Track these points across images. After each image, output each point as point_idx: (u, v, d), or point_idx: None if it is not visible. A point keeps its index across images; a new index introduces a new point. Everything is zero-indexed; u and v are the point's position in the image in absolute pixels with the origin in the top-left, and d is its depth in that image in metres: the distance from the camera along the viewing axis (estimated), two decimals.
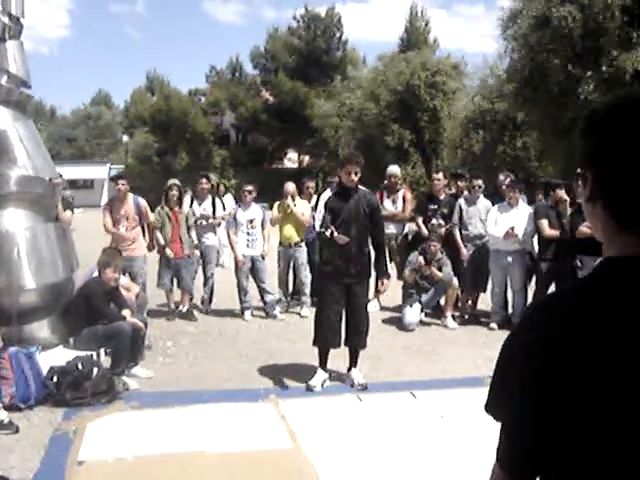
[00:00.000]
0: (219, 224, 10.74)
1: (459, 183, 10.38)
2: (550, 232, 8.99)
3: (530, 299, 9.41)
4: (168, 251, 9.71)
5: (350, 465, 4.73)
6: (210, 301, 10.62)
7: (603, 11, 20.50)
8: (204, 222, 10.38)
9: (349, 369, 6.83)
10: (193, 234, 10.00)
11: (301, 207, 10.21)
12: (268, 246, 10.24)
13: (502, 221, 9.30)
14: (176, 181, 10.26)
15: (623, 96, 1.32)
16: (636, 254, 1.23)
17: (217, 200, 10.88)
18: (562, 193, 9.01)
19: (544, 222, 9.00)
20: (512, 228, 9.06)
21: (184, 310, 10.11)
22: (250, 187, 10.28)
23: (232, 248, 10.06)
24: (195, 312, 10.15)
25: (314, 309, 10.27)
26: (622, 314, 1.19)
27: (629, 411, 1.16)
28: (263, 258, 10.13)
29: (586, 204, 1.33)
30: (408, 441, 5.16)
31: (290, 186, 10.39)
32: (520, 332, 1.32)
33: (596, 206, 1.30)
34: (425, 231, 9.91)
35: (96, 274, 7.36)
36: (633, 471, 1.16)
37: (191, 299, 10.25)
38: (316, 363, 6.84)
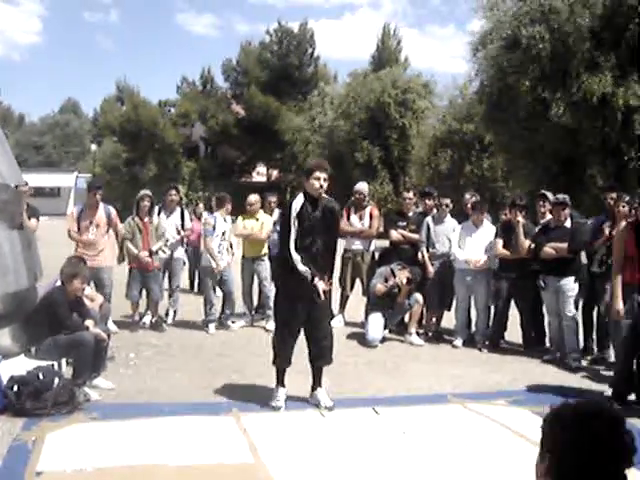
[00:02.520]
0: (188, 236, 10.77)
1: (427, 202, 10.42)
2: (500, 251, 9.10)
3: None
4: (144, 255, 9.68)
5: None
6: (175, 313, 10.58)
7: (572, 33, 20.88)
8: (175, 236, 10.38)
9: (313, 389, 6.59)
10: (159, 245, 9.95)
11: (264, 221, 10.24)
12: (232, 256, 10.32)
13: (467, 241, 9.40)
14: (148, 192, 10.19)
15: (586, 408, 1.84)
16: None
17: (185, 212, 10.88)
18: (513, 214, 9.11)
19: (499, 241, 9.13)
20: (477, 261, 9.27)
21: (153, 321, 10.07)
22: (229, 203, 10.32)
23: (212, 256, 9.98)
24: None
25: None
26: None
27: None
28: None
29: (539, 478, 1.81)
30: (370, 457, 5.17)
31: (253, 198, 10.39)
32: None
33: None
34: (400, 236, 10.03)
35: (59, 283, 7.29)
36: None
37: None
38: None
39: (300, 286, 6.29)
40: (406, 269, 9.49)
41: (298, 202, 6.33)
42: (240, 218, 10.47)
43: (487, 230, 9.48)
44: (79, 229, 9.49)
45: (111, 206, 9.97)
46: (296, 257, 6.23)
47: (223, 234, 10.02)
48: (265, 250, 10.33)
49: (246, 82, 50.34)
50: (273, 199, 10.91)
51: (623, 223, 7.28)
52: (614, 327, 7.29)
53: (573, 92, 20.82)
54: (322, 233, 6.37)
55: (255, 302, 10.81)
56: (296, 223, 6.26)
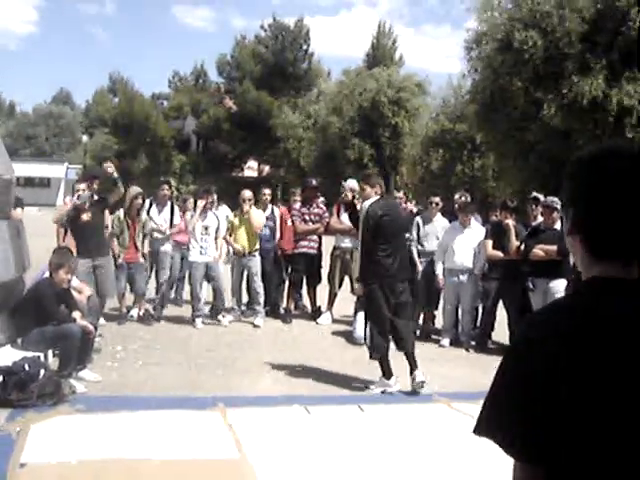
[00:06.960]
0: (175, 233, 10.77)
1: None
2: (491, 252, 9.10)
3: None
4: (120, 258, 9.66)
5: (295, 477, 4.73)
6: (162, 307, 10.56)
7: (563, 37, 20.99)
8: (159, 235, 10.35)
9: (411, 372, 7.10)
10: (146, 241, 9.98)
11: (256, 216, 10.24)
12: (221, 253, 10.32)
13: (455, 243, 9.41)
14: (141, 190, 10.17)
15: (605, 148, 1.52)
16: (614, 276, 1.38)
17: (175, 207, 10.85)
18: (504, 216, 9.15)
19: (488, 242, 9.14)
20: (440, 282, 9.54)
21: (141, 313, 10.05)
22: (212, 196, 10.27)
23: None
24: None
25: (268, 319, 10.37)
26: (619, 327, 1.30)
27: (629, 420, 1.25)
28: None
29: (567, 236, 1.50)
30: (354, 455, 5.18)
31: (247, 193, 10.38)
32: (520, 350, 1.39)
33: (575, 239, 1.46)
34: None
35: (47, 274, 7.27)
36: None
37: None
38: (265, 372, 6.98)
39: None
40: None
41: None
42: (231, 215, 10.42)
43: (475, 231, 9.49)
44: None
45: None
46: None
47: (206, 229, 10.02)
48: (257, 246, 10.32)
49: (239, 77, 50.25)
50: (267, 192, 10.96)
51: None
52: None
53: (565, 94, 20.89)
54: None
55: (245, 298, 10.83)
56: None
